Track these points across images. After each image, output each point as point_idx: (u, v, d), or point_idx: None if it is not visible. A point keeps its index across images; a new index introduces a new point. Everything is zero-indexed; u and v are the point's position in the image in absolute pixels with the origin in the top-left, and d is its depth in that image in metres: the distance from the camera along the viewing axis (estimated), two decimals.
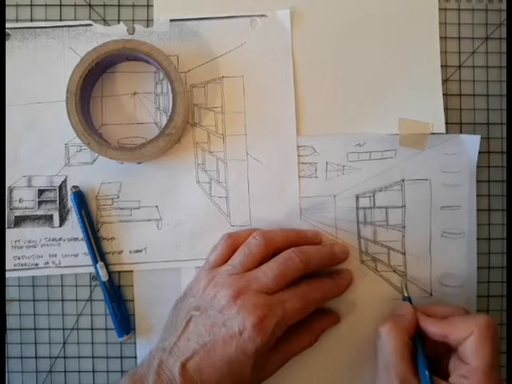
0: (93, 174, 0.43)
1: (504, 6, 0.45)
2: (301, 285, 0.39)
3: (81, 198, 0.43)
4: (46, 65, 0.43)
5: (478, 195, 0.44)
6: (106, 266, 0.43)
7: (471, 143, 0.44)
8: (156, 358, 0.36)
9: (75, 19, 0.44)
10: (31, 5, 0.44)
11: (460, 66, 0.45)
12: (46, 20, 0.44)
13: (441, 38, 0.44)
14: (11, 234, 0.43)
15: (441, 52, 0.44)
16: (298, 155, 0.44)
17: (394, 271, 0.44)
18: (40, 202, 0.43)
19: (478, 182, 0.44)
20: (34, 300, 0.44)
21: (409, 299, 0.42)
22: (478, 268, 0.44)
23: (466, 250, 0.44)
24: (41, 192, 0.43)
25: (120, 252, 0.44)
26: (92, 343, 0.44)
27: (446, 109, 0.44)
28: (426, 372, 0.37)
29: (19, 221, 0.43)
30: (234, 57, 0.44)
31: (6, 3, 0.43)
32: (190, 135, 0.44)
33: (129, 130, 0.44)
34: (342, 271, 0.42)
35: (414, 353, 0.38)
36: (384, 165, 0.44)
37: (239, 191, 0.44)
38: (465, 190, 0.44)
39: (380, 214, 0.44)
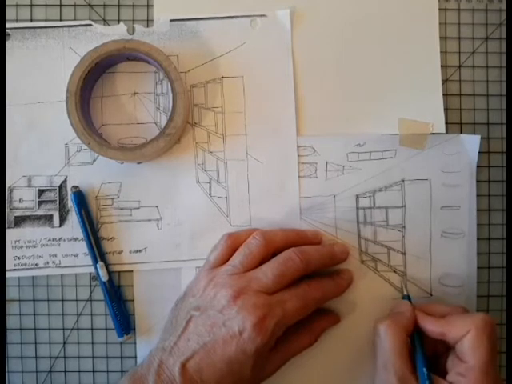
0: (93, 173, 0.44)
1: (504, 6, 0.45)
2: (301, 285, 0.39)
3: (81, 198, 0.43)
4: (46, 65, 0.43)
5: (477, 195, 0.44)
6: (106, 265, 0.43)
7: (471, 143, 0.44)
8: (156, 358, 0.36)
9: (75, 19, 0.44)
10: (31, 5, 0.44)
11: (460, 66, 0.45)
12: (45, 20, 0.44)
13: (441, 38, 0.44)
14: (11, 234, 0.43)
15: (441, 52, 0.44)
16: (298, 155, 0.44)
17: (394, 271, 0.44)
18: (40, 202, 0.43)
19: (477, 181, 0.44)
20: (33, 300, 0.44)
21: (408, 297, 0.42)
22: (478, 268, 0.44)
23: (466, 250, 0.44)
24: (41, 192, 0.43)
25: (120, 252, 0.44)
26: (92, 343, 0.44)
27: (446, 109, 0.44)
28: (424, 370, 0.37)
29: (19, 221, 0.43)
30: (234, 57, 0.44)
31: (6, 3, 0.43)
32: (189, 135, 0.44)
33: (129, 129, 0.44)
34: (342, 271, 0.42)
35: (413, 351, 0.38)
36: (384, 165, 0.44)
37: (239, 191, 0.44)
38: (465, 189, 0.44)
39: (380, 214, 0.44)
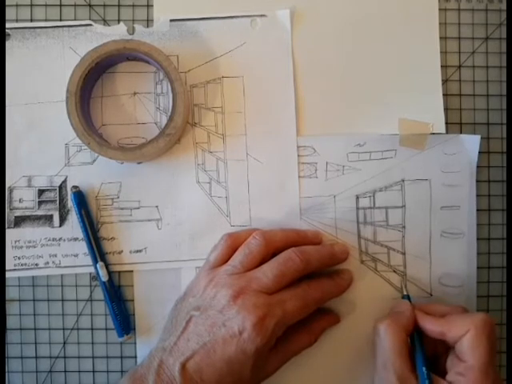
0: (93, 173, 0.44)
1: (504, 6, 0.45)
2: (301, 285, 0.39)
3: (81, 198, 0.43)
4: (46, 65, 0.43)
5: (477, 195, 0.44)
6: (106, 265, 0.43)
7: (471, 143, 0.44)
8: (156, 357, 0.36)
9: (75, 19, 0.44)
10: (31, 5, 0.44)
11: (460, 66, 0.45)
12: (45, 20, 0.44)
13: (441, 38, 0.44)
14: (11, 234, 0.43)
15: (441, 52, 0.44)
16: (298, 155, 0.44)
17: (394, 271, 0.44)
18: (40, 202, 0.43)
19: (477, 181, 0.44)
20: (33, 300, 0.44)
21: (408, 297, 0.42)
22: (478, 268, 0.44)
23: (466, 250, 0.44)
24: (41, 192, 0.43)
25: (120, 252, 0.44)
26: (92, 343, 0.44)
27: (446, 109, 0.44)
28: (424, 369, 0.37)
29: (19, 221, 0.43)
30: (234, 57, 0.44)
31: (6, 3, 0.43)
32: (189, 135, 0.44)
33: (129, 129, 0.44)
34: (341, 271, 0.42)
35: (412, 350, 0.38)
36: (384, 165, 0.44)
37: (239, 191, 0.44)
38: (465, 190, 0.44)
39: (380, 214, 0.44)
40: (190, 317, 0.37)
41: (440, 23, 0.44)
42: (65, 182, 0.43)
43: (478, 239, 0.44)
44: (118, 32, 0.43)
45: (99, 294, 0.43)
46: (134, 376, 0.36)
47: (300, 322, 0.38)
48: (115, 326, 0.43)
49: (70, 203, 0.43)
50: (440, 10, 0.44)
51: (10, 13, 0.44)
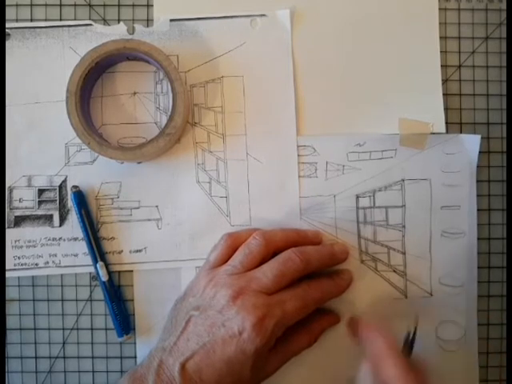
0: (93, 173, 0.43)
1: (504, 5, 0.45)
2: (300, 285, 0.39)
3: (81, 197, 0.43)
4: (46, 65, 0.43)
5: (478, 195, 0.44)
6: (106, 265, 0.43)
7: (471, 143, 0.44)
8: (156, 357, 0.36)
9: (75, 19, 0.44)
10: (31, 5, 0.44)
11: (460, 66, 0.45)
12: (46, 20, 0.44)
13: (441, 37, 0.44)
14: (11, 234, 0.43)
15: (441, 52, 0.44)
16: (298, 155, 0.44)
17: (394, 271, 0.44)
18: (40, 202, 0.43)
19: (478, 181, 0.44)
20: (33, 300, 0.44)
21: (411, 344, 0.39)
22: (478, 268, 0.44)
23: (466, 250, 0.44)
24: (41, 192, 0.43)
25: (120, 252, 0.44)
26: (92, 343, 0.44)
27: (446, 109, 0.44)
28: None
29: (19, 221, 0.43)
30: (234, 57, 0.44)
31: (6, 3, 0.43)
32: (189, 135, 0.44)
33: (129, 129, 0.44)
34: (341, 271, 0.42)
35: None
36: (384, 165, 0.44)
37: (239, 191, 0.44)
38: (465, 189, 0.44)
39: (380, 214, 0.44)
40: (189, 317, 0.37)
41: (440, 23, 0.44)
42: (65, 181, 0.43)
43: (478, 239, 0.44)
44: (117, 32, 0.43)
45: (99, 293, 0.43)
46: (133, 376, 0.36)
47: (300, 322, 0.38)
48: (115, 326, 0.43)
49: (70, 203, 0.43)
50: (440, 9, 0.44)
51: (10, 13, 0.44)
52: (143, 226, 0.44)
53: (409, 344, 0.39)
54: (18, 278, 0.44)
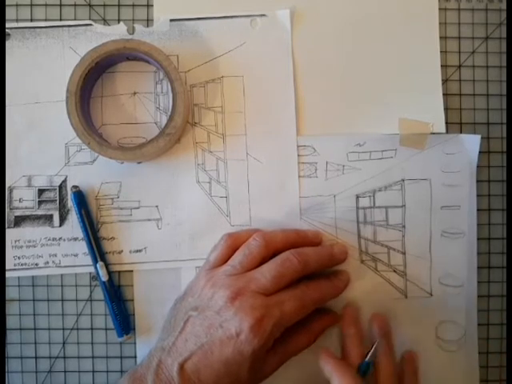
0: (93, 173, 0.43)
1: (504, 5, 0.45)
2: (299, 286, 0.39)
3: (81, 197, 0.43)
4: (46, 65, 0.43)
5: (478, 195, 0.44)
6: (106, 265, 0.43)
7: (471, 143, 0.44)
8: (155, 357, 0.36)
9: (75, 19, 0.44)
10: (31, 5, 0.44)
11: (460, 66, 0.45)
12: (46, 20, 0.44)
13: (441, 37, 0.44)
14: (11, 234, 0.43)
15: (441, 52, 0.44)
16: (298, 155, 0.44)
17: (394, 271, 0.44)
18: (40, 202, 0.43)
19: (478, 181, 0.44)
20: (33, 300, 0.44)
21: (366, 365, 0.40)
22: (478, 268, 0.44)
23: (466, 250, 0.44)
24: (41, 192, 0.43)
25: (120, 252, 0.44)
26: (92, 343, 0.44)
27: (446, 109, 0.44)
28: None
29: (19, 221, 0.43)
30: (234, 57, 0.44)
31: (6, 3, 0.43)
32: (189, 135, 0.44)
33: (129, 129, 0.44)
34: (339, 272, 0.42)
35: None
36: (384, 165, 0.44)
37: (239, 191, 0.44)
38: (465, 189, 0.44)
39: (380, 214, 0.44)
40: (188, 317, 0.37)
41: (440, 23, 0.44)
42: (65, 181, 0.43)
43: (478, 239, 0.44)
44: (117, 32, 0.43)
45: (99, 293, 0.43)
46: (133, 376, 0.36)
47: (299, 322, 0.38)
48: (115, 325, 0.43)
49: (70, 203, 0.43)
50: (440, 9, 0.44)
51: (10, 13, 0.44)
52: (143, 226, 0.44)
53: (364, 364, 0.40)
54: (18, 278, 0.44)
